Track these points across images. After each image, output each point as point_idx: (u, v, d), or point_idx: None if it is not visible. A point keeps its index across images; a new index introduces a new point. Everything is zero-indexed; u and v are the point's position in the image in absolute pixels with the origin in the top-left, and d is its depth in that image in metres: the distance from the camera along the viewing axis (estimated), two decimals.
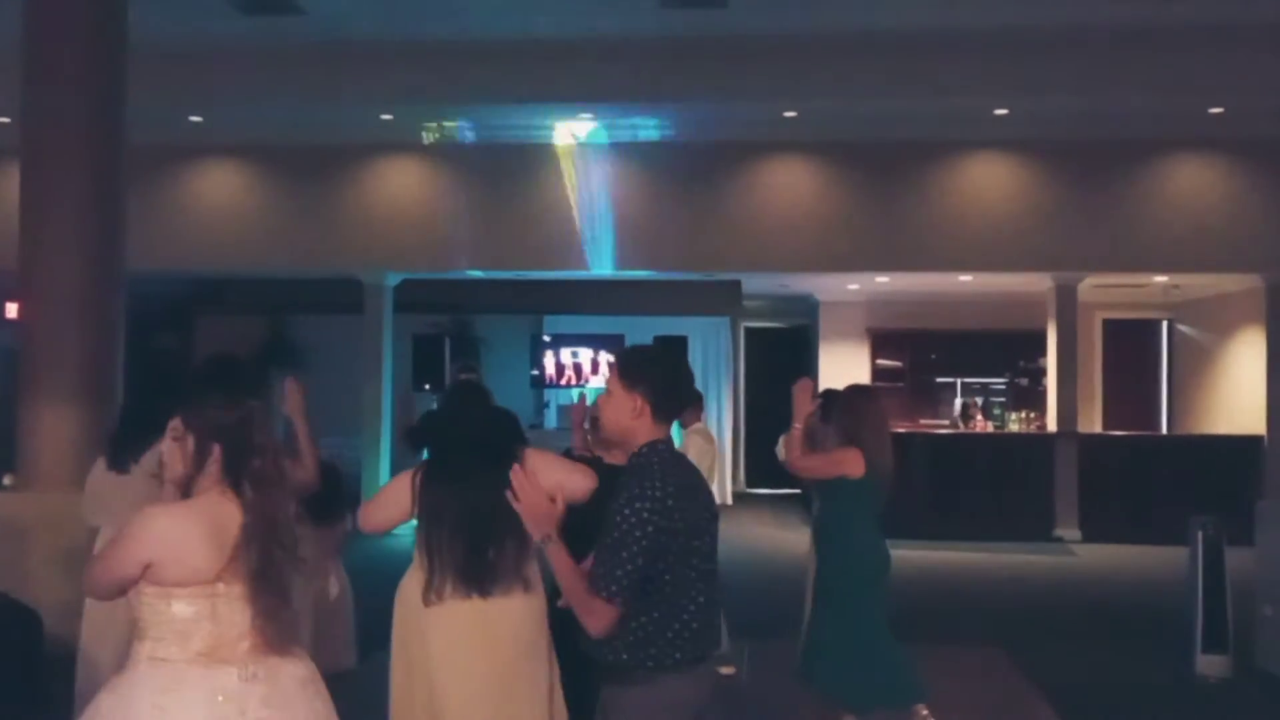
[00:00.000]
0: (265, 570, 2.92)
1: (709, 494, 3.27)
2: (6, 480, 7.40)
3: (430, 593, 3.83)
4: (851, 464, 5.20)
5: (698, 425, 6.99)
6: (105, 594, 3.08)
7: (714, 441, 7.28)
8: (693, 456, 3.81)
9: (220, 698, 2.87)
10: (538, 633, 3.87)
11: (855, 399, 5.47)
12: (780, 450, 5.50)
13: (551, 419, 14.43)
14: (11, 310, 9.85)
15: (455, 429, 4.03)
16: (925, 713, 5.31)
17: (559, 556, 3.04)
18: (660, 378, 3.16)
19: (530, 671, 3.83)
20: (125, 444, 4.76)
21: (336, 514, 5.03)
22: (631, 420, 3.12)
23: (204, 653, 2.89)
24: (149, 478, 4.55)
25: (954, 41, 9.91)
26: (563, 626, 3.49)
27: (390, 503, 4.01)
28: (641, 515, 2.98)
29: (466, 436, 3.97)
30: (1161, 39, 9.71)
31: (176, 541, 2.90)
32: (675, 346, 3.67)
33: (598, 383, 13.78)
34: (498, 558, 3.80)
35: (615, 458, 4.89)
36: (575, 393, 14.08)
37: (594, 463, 4.57)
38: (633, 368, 3.17)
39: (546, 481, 3.66)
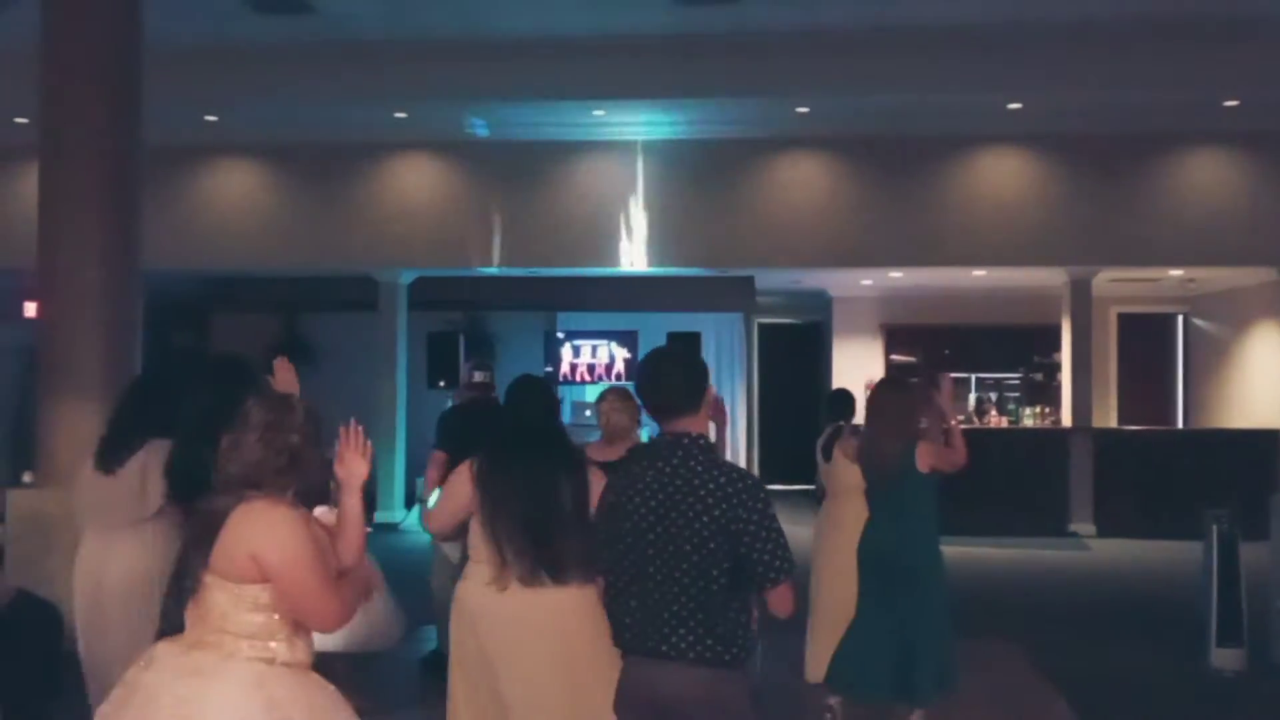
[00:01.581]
0: None
1: (707, 491, 3.11)
2: (26, 477, 7.47)
3: (496, 582, 3.85)
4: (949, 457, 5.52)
5: None
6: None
7: None
8: None
9: (321, 691, 2.99)
10: (600, 621, 3.90)
11: (873, 391, 5.59)
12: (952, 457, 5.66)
13: (565, 415, 14.46)
14: (30, 309, 9.93)
15: (515, 421, 4.12)
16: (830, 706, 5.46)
17: None
18: (638, 379, 3.35)
19: (596, 658, 3.80)
20: (114, 445, 4.77)
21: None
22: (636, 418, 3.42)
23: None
24: (135, 481, 4.62)
25: (967, 36, 9.90)
26: None
27: (453, 498, 4.05)
28: (603, 495, 3.35)
29: (527, 428, 4.07)
30: (1176, 31, 9.68)
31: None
32: (674, 346, 3.73)
33: (611, 380, 13.81)
34: (564, 546, 3.84)
35: (616, 454, 4.96)
36: (593, 389, 14.14)
37: None
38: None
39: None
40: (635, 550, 3.15)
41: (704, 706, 3.06)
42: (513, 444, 4.04)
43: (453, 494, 4.06)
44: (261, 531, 2.83)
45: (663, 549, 3.10)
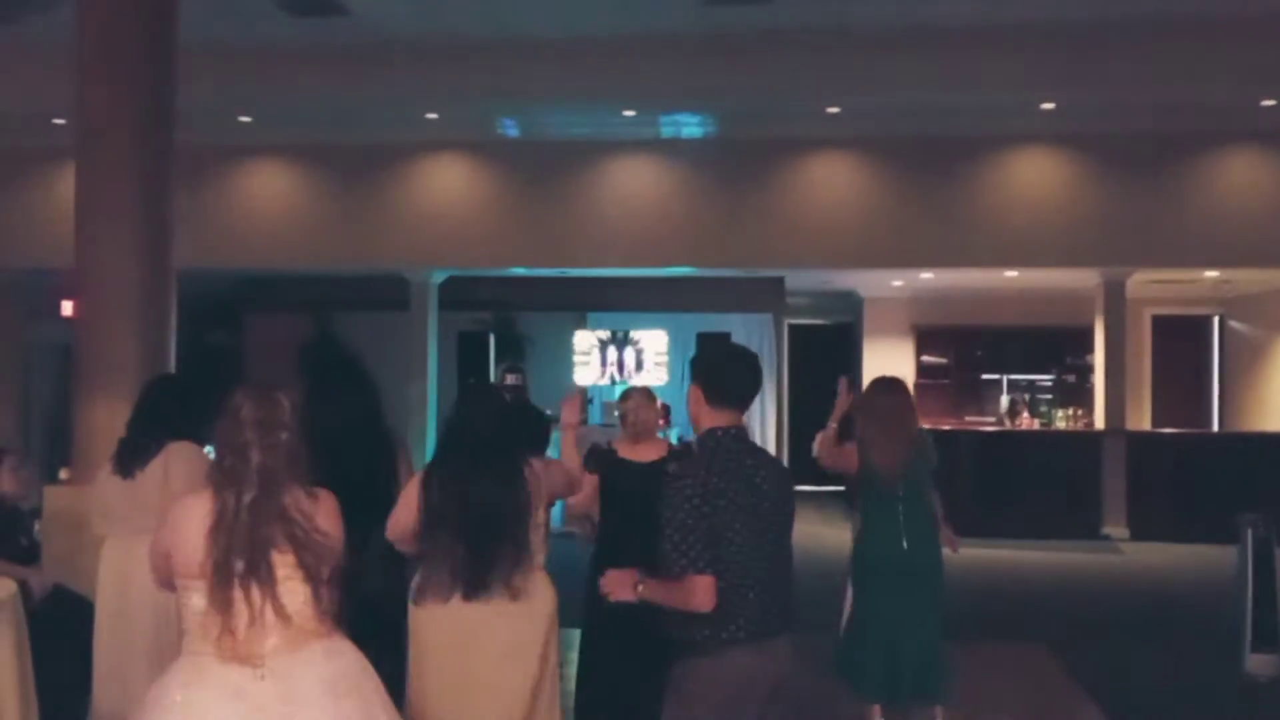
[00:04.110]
0: (228, 565, 2.91)
1: (777, 477, 3.41)
2: (63, 474, 7.55)
3: (421, 593, 3.88)
4: (846, 459, 5.37)
5: None
6: (160, 584, 3.16)
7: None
8: None
9: (238, 694, 2.88)
10: (522, 638, 3.89)
11: (866, 393, 5.53)
12: (815, 446, 5.59)
13: (595, 415, 14.47)
14: (67, 308, 10.04)
15: (458, 431, 4.07)
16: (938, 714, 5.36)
17: (652, 589, 3.28)
18: (707, 368, 3.45)
19: (510, 676, 3.85)
20: (133, 449, 4.78)
21: None
22: (694, 408, 3.42)
23: (222, 647, 2.91)
24: (158, 484, 4.65)
25: (1000, 35, 9.83)
26: (627, 614, 3.56)
27: (406, 508, 4.03)
28: (686, 493, 3.22)
29: (469, 438, 4.01)
30: (1211, 30, 9.57)
31: (182, 530, 2.97)
32: (724, 340, 3.73)
33: (640, 379, 13.81)
34: (493, 563, 3.83)
35: (643, 452, 4.98)
36: (617, 389, 14.15)
37: (605, 456, 4.73)
38: (693, 360, 3.58)
39: (547, 485, 4.02)
40: (750, 542, 3.26)
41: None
42: (454, 454, 4.00)
43: (405, 501, 4.03)
44: None
45: (769, 534, 3.31)
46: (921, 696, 5.28)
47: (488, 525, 3.83)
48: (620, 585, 3.31)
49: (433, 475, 3.96)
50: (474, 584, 3.81)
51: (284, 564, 2.96)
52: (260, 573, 2.92)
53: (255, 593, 2.91)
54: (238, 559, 2.91)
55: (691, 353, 14.12)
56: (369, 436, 4.62)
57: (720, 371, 3.40)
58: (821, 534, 12.25)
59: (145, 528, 4.64)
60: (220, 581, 2.90)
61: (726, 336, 13.95)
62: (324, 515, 3.06)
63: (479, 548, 3.81)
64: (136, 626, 4.63)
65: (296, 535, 2.96)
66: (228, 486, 2.97)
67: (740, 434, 3.37)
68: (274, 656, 2.92)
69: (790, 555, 3.40)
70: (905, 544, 5.27)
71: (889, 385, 5.54)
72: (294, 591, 2.97)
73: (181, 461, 4.68)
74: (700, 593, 3.19)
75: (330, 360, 5.08)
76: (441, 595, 3.83)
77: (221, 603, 2.91)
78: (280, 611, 2.93)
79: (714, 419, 3.35)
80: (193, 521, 2.96)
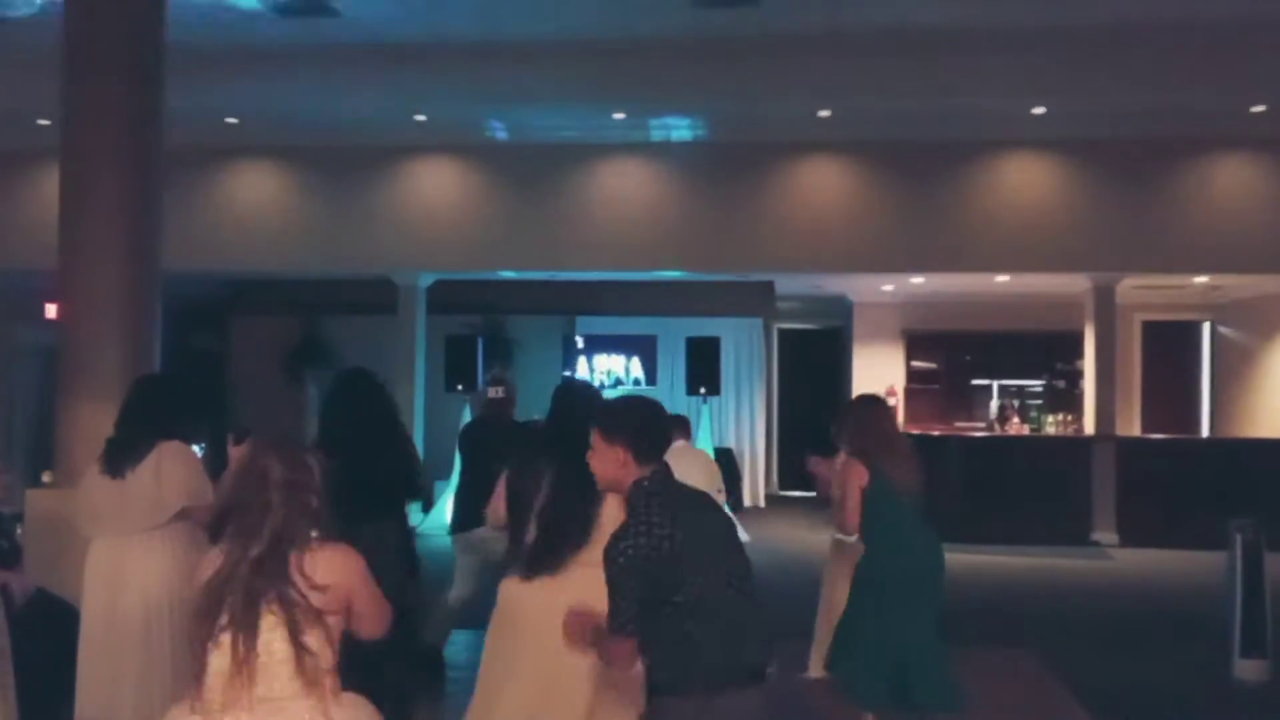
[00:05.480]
0: (214, 613, 2.85)
1: (720, 515, 3.38)
2: (46, 477, 7.49)
3: (510, 573, 4.19)
4: (855, 476, 5.28)
5: (679, 444, 6.81)
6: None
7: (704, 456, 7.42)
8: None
9: None
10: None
11: (860, 412, 5.49)
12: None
13: None
14: (51, 311, 9.97)
15: (554, 424, 4.34)
16: None
17: (598, 641, 3.26)
18: (634, 430, 3.32)
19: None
20: (124, 449, 4.74)
21: None
22: (619, 470, 3.29)
23: (197, 701, 2.86)
24: (149, 484, 4.60)
25: (991, 40, 9.84)
26: None
27: (499, 498, 4.37)
28: (628, 553, 3.12)
29: (560, 432, 4.22)
30: (1202, 36, 9.60)
31: (198, 577, 2.97)
32: (628, 397, 3.81)
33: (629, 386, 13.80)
34: (563, 545, 4.04)
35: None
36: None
37: None
38: (610, 422, 3.35)
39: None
40: (710, 586, 3.17)
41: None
42: (541, 445, 4.30)
43: (499, 493, 4.37)
44: None
45: (729, 575, 3.22)
46: (936, 709, 5.21)
47: (561, 512, 4.07)
48: (579, 631, 3.30)
49: (515, 471, 4.30)
50: (551, 561, 4.05)
51: (272, 623, 2.86)
52: (245, 623, 2.84)
53: (240, 645, 2.82)
54: (226, 608, 2.85)
55: (680, 357, 14.11)
56: (392, 445, 5.02)
57: (648, 429, 3.35)
58: (808, 539, 12.22)
59: (135, 528, 4.62)
60: (201, 629, 2.84)
61: (715, 342, 13.87)
62: (325, 569, 2.93)
63: (550, 530, 4.07)
64: (126, 630, 4.58)
65: (287, 594, 2.87)
66: (239, 541, 2.92)
67: (668, 473, 3.30)
68: (252, 717, 2.83)
69: (752, 596, 3.27)
70: (913, 555, 5.23)
71: (881, 403, 5.55)
72: (277, 651, 2.86)
73: (173, 462, 4.65)
74: (617, 655, 3.19)
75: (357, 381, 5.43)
76: (524, 574, 4.08)
77: (199, 653, 2.84)
78: (259, 669, 2.83)
79: (640, 473, 3.28)
80: (206, 571, 2.95)
